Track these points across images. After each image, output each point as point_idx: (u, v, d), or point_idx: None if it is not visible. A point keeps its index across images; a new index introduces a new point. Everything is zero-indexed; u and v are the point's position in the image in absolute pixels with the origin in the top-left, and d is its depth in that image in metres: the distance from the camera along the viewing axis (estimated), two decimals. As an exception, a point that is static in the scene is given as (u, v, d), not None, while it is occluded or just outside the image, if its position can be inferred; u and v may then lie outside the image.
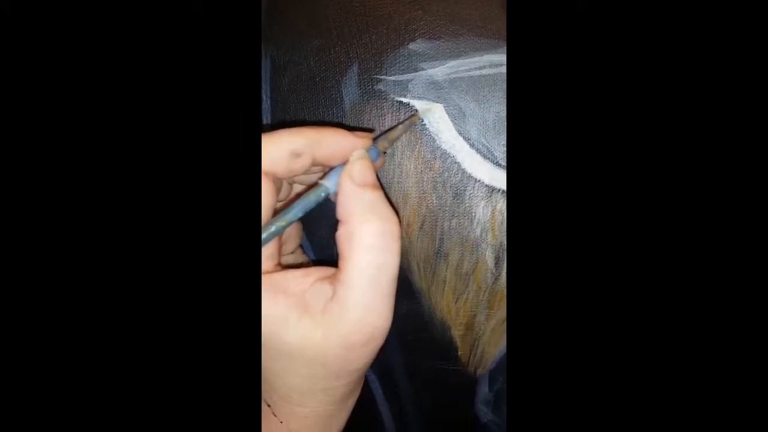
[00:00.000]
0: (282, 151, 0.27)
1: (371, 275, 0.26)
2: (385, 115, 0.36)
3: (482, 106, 0.35)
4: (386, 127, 0.36)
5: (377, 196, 0.27)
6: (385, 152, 0.32)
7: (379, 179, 0.30)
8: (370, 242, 0.26)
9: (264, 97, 0.37)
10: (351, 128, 0.30)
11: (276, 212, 0.28)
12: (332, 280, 0.27)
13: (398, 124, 0.34)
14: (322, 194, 0.28)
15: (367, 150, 0.29)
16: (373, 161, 0.29)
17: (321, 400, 0.28)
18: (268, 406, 0.29)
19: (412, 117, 0.34)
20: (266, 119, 0.37)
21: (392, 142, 0.33)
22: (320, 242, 0.38)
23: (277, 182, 0.28)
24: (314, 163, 0.29)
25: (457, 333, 0.38)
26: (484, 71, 0.34)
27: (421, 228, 0.37)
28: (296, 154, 0.27)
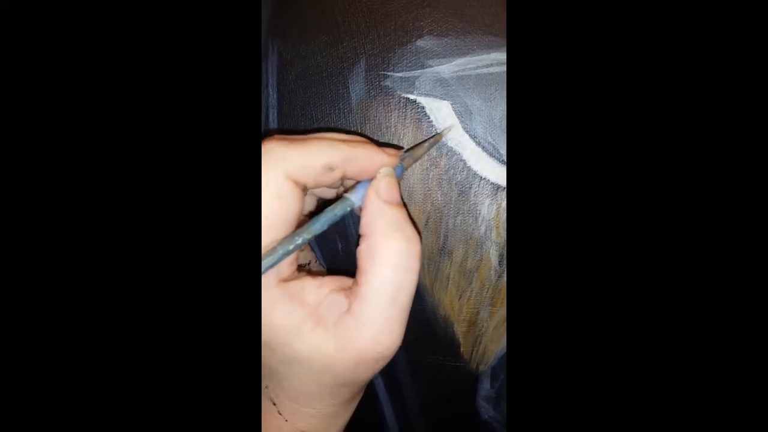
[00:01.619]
0: (316, 163, 0.27)
1: (390, 293, 0.26)
2: (391, 112, 0.36)
3: (488, 103, 0.35)
4: (394, 125, 0.36)
5: (402, 214, 0.27)
6: (407, 169, 0.32)
7: (402, 198, 0.30)
8: (392, 260, 0.26)
9: (270, 91, 0.37)
10: (381, 144, 0.30)
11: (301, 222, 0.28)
12: (348, 293, 0.27)
13: (423, 141, 0.34)
14: (348, 208, 0.28)
15: (394, 167, 0.29)
16: (398, 178, 0.29)
17: (327, 403, 0.29)
18: (274, 404, 0.29)
19: (437, 136, 0.35)
20: (273, 114, 0.37)
21: (416, 160, 0.33)
22: (322, 237, 0.38)
23: (305, 190, 0.28)
24: (343, 178, 0.29)
25: (459, 330, 0.39)
26: (491, 69, 0.34)
27: (425, 225, 0.37)
28: (330, 168, 0.27)
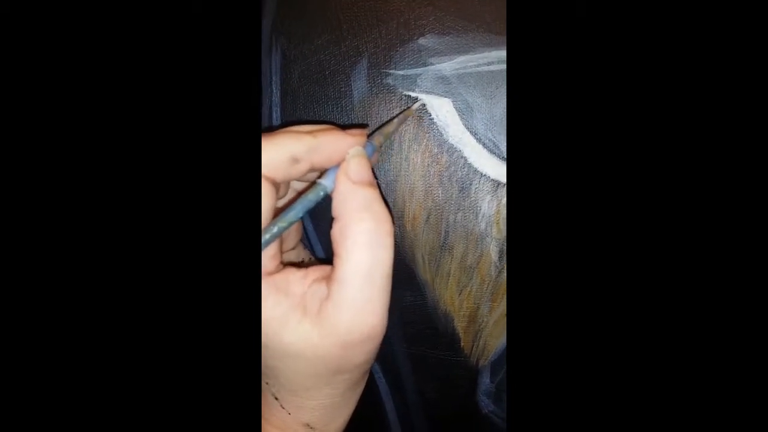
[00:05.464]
0: (282, 156, 0.27)
1: (365, 273, 0.26)
2: (393, 109, 0.36)
3: (489, 101, 0.35)
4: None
5: (372, 194, 0.27)
6: (380, 147, 0.32)
7: (375, 175, 0.30)
8: (363, 240, 0.26)
9: (274, 89, 0.37)
10: (345, 126, 0.30)
11: (276, 213, 0.28)
12: (328, 279, 0.27)
13: (392, 118, 0.34)
14: (321, 193, 0.28)
15: (363, 146, 0.29)
16: (368, 157, 0.29)
17: (327, 394, 0.29)
18: (277, 399, 0.29)
19: (406, 111, 0.35)
20: (276, 112, 0.37)
21: (387, 137, 0.33)
22: (327, 236, 0.39)
23: (276, 185, 0.28)
24: (312, 169, 0.29)
25: (460, 324, 0.39)
26: (492, 67, 0.34)
27: (426, 221, 0.37)
28: (295, 160, 0.27)
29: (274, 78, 0.37)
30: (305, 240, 0.39)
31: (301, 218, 0.28)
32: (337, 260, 0.27)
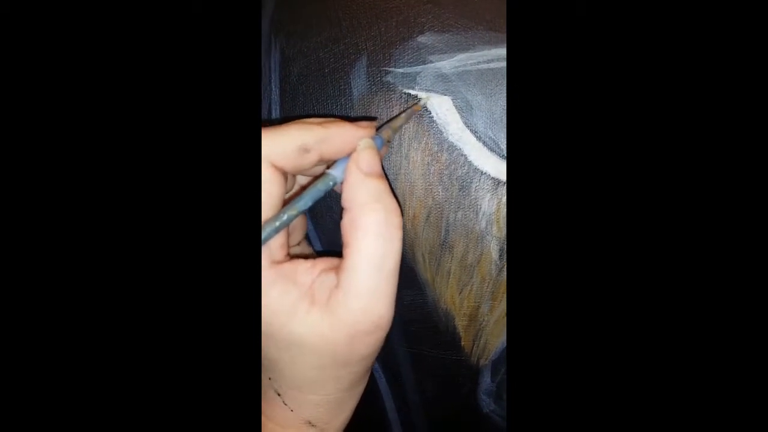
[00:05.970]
0: (291, 146, 0.27)
1: (375, 263, 0.26)
2: (393, 107, 0.36)
3: (489, 99, 0.35)
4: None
5: (382, 186, 0.28)
6: (389, 141, 0.32)
7: (384, 169, 0.30)
8: (374, 230, 0.26)
9: (273, 87, 0.37)
10: (354, 119, 0.30)
11: (285, 203, 0.28)
12: (337, 269, 0.27)
13: (400, 113, 0.34)
14: (330, 183, 0.28)
15: (372, 139, 0.29)
16: (378, 150, 0.29)
17: (331, 388, 0.29)
18: (279, 395, 0.29)
19: (414, 106, 0.35)
20: (275, 110, 0.37)
21: (395, 131, 0.33)
22: (327, 232, 0.39)
23: (285, 175, 0.28)
24: (321, 160, 0.29)
25: (460, 323, 0.39)
26: (492, 65, 0.34)
27: (426, 219, 0.37)
28: (305, 150, 0.27)
29: (273, 76, 0.37)
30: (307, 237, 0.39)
31: (307, 210, 0.28)
32: (346, 250, 0.27)
